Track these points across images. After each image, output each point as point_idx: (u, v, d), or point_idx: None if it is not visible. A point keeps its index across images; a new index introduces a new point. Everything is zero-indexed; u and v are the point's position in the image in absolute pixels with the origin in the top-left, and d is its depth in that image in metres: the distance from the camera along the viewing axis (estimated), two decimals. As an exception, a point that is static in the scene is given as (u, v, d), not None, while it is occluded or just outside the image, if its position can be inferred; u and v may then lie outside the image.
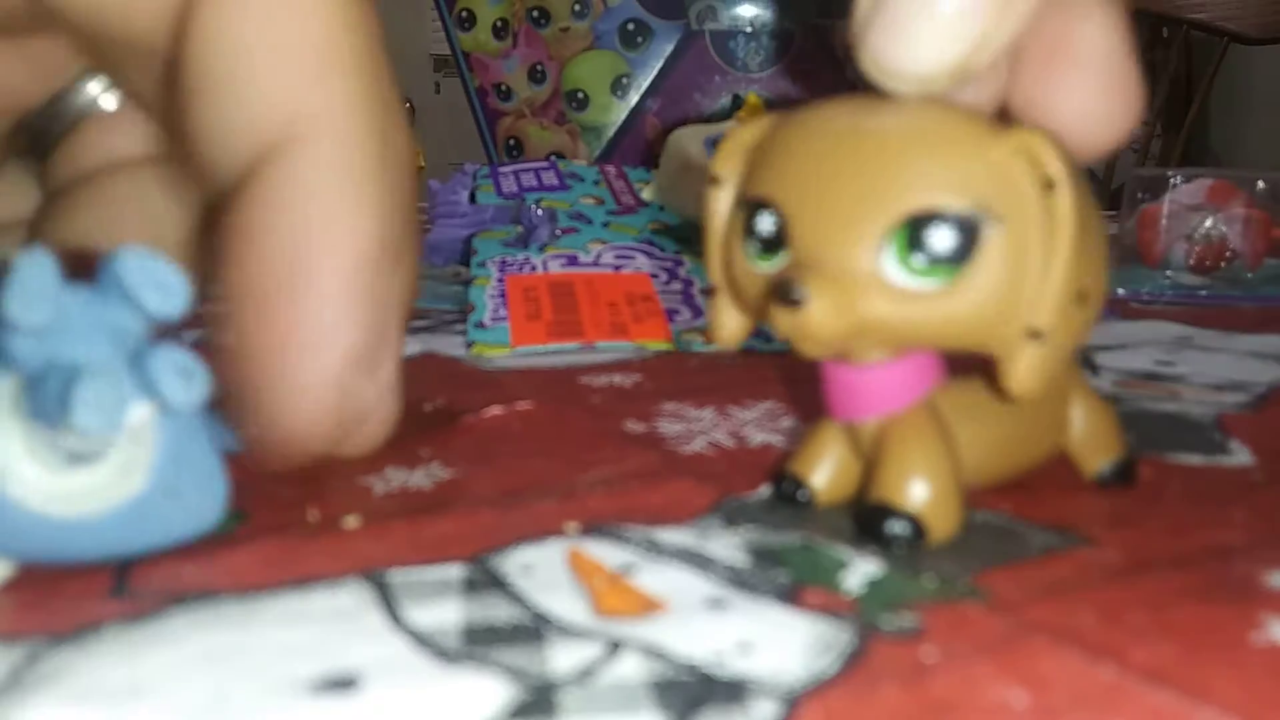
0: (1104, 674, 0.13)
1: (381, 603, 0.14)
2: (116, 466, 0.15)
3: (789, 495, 0.18)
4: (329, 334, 0.17)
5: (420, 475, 0.19)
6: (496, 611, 0.14)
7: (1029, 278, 0.15)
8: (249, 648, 0.13)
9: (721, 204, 0.17)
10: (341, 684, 0.12)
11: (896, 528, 0.16)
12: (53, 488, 0.15)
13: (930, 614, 0.14)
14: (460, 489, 0.19)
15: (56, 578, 0.15)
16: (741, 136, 0.17)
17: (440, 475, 0.19)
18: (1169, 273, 0.46)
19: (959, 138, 0.15)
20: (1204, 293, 0.44)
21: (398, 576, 0.15)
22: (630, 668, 0.13)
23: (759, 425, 0.23)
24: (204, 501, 0.16)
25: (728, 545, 0.16)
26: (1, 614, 0.14)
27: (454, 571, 0.15)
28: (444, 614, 0.14)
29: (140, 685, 0.12)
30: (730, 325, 0.18)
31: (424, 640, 0.14)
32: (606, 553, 0.16)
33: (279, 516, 0.18)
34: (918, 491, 0.16)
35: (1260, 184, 0.45)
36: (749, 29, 0.56)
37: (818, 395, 0.17)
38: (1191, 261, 0.45)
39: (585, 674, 0.13)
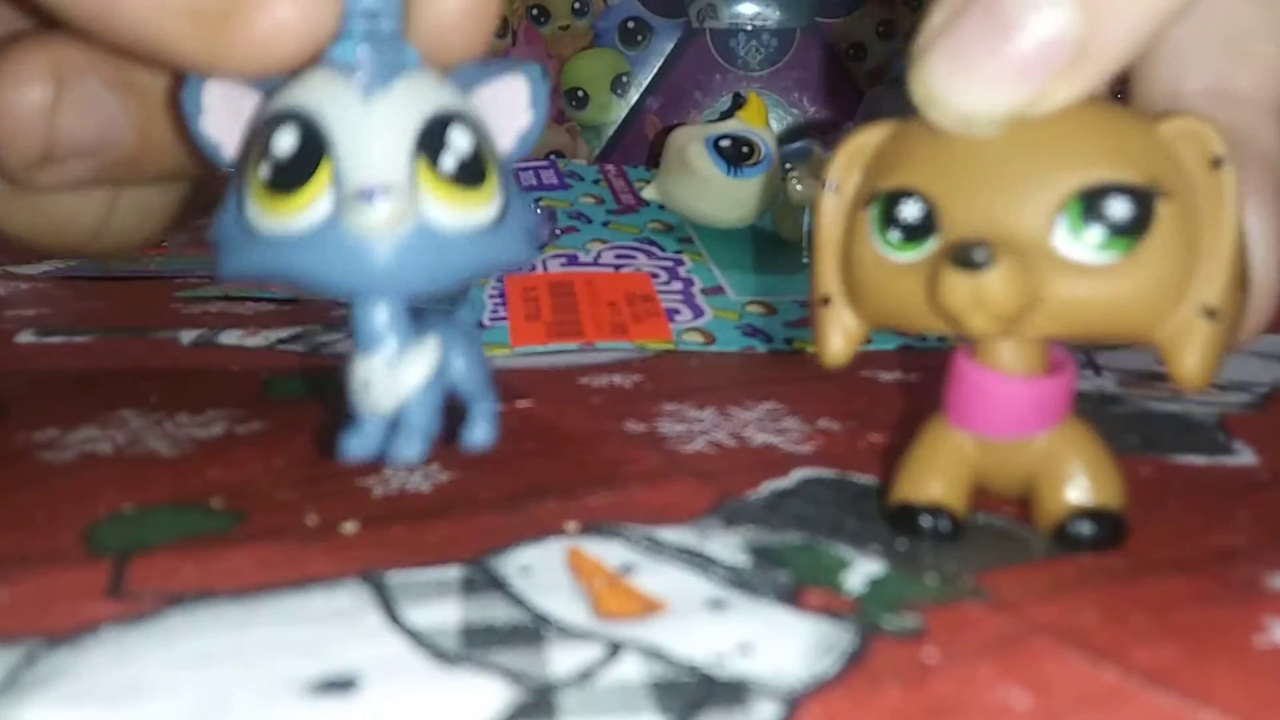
0: (1106, 675, 0.13)
1: (380, 603, 0.14)
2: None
3: (931, 529, 0.16)
4: None
5: (419, 478, 0.19)
6: (495, 612, 0.14)
7: (1199, 256, 0.15)
8: (246, 648, 0.13)
9: (835, 210, 0.17)
10: (339, 685, 0.12)
11: (1094, 529, 0.16)
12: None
13: (932, 615, 0.14)
14: (460, 492, 0.19)
15: (53, 578, 0.15)
16: (858, 142, 0.17)
17: (440, 478, 0.19)
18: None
19: (1121, 121, 0.15)
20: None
21: (396, 577, 0.15)
22: (630, 669, 0.13)
23: (760, 426, 0.23)
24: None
25: (728, 545, 0.16)
26: (-2, 615, 0.14)
27: (453, 572, 0.15)
28: (442, 614, 0.14)
29: (137, 686, 0.12)
30: (839, 341, 0.17)
31: (422, 641, 0.13)
32: (606, 552, 0.16)
33: (277, 519, 0.17)
34: (1117, 491, 0.16)
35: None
36: (749, 27, 0.56)
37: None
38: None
39: (585, 675, 0.13)
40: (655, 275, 0.36)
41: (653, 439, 0.22)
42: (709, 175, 0.38)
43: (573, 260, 0.36)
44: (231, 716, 0.12)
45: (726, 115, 0.42)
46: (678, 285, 0.35)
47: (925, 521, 0.17)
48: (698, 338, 0.32)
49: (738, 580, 0.15)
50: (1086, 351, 0.31)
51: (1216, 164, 0.15)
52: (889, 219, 0.16)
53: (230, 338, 0.32)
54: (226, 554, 0.16)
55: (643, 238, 0.39)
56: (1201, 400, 0.25)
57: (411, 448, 0.16)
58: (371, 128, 0.15)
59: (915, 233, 0.15)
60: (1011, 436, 0.16)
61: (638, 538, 0.17)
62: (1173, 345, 0.15)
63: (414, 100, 0.15)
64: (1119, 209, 0.14)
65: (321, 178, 0.15)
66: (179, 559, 0.16)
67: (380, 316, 0.16)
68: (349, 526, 0.17)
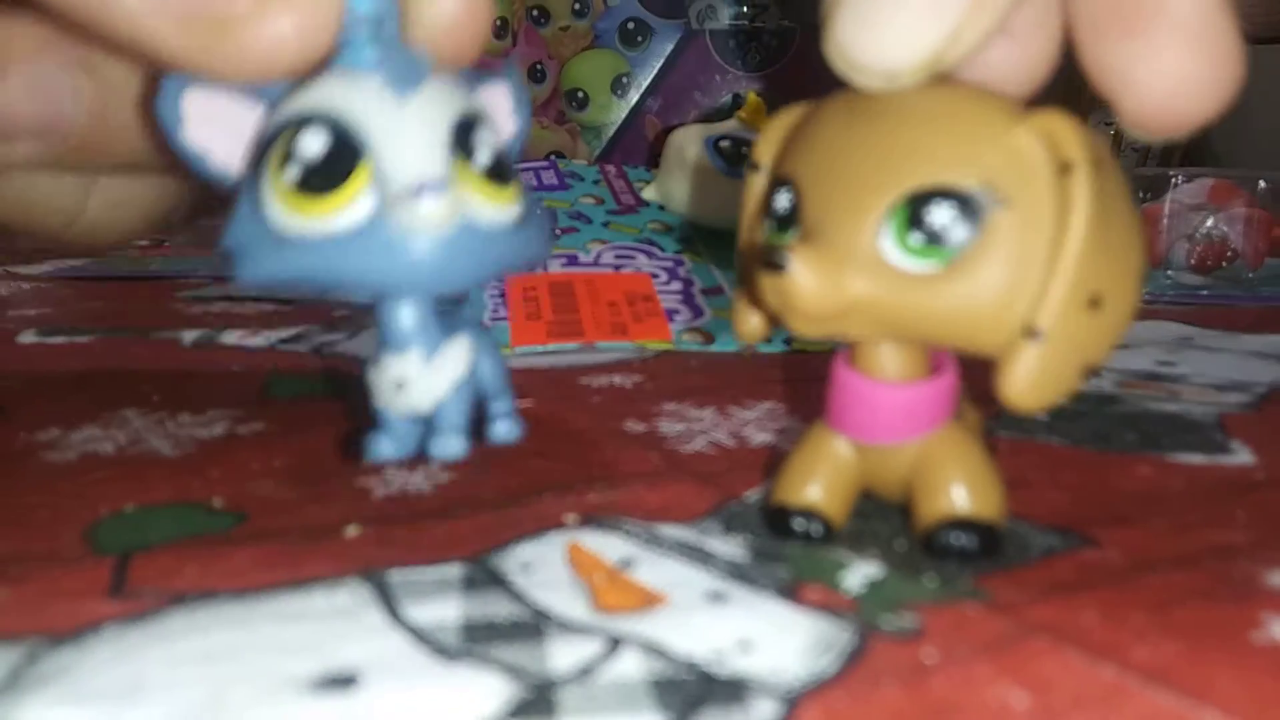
0: (1105, 674, 0.13)
1: (380, 601, 0.14)
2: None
3: (803, 533, 0.16)
4: None
5: (419, 477, 0.19)
6: (496, 609, 0.14)
7: (1035, 270, 0.14)
8: (247, 647, 0.13)
9: (757, 190, 0.17)
10: (340, 682, 0.12)
11: (964, 539, 0.15)
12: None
13: (931, 615, 0.14)
14: (460, 492, 0.19)
15: (55, 578, 0.15)
16: (778, 123, 0.17)
17: (440, 478, 0.19)
18: (1170, 272, 0.45)
19: (973, 118, 0.14)
20: (1205, 292, 0.44)
21: (397, 575, 0.15)
22: (630, 665, 0.13)
23: (760, 425, 0.23)
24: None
25: (728, 542, 0.16)
26: (1, 614, 0.14)
27: (453, 570, 0.15)
28: (443, 611, 0.14)
29: (139, 685, 0.12)
30: (752, 319, 0.17)
31: (423, 637, 0.13)
32: (606, 545, 0.16)
33: (278, 519, 0.17)
34: (993, 501, 0.16)
35: (1261, 183, 0.45)
36: (749, 28, 0.56)
37: (818, 400, 0.17)
38: (1193, 261, 0.45)
39: (585, 672, 0.13)
40: (655, 275, 0.36)
41: (653, 439, 0.22)
42: (709, 175, 0.38)
43: (573, 260, 0.36)
44: (232, 714, 0.12)
45: (726, 116, 0.42)
46: (677, 285, 0.35)
47: (797, 525, 0.16)
48: (697, 338, 0.32)
49: (737, 573, 0.15)
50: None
51: (1065, 170, 0.14)
52: (769, 208, 0.16)
53: (231, 338, 0.32)
54: (228, 553, 0.16)
55: (642, 238, 0.39)
56: (1200, 400, 0.25)
57: (455, 445, 0.17)
58: (410, 127, 0.15)
59: (784, 222, 0.15)
60: (883, 441, 0.16)
61: (637, 531, 0.17)
62: (1001, 360, 0.14)
63: (443, 101, 0.15)
64: (941, 216, 0.14)
65: (360, 178, 0.15)
66: (180, 559, 0.16)
67: (413, 316, 0.16)
68: (351, 530, 0.17)
